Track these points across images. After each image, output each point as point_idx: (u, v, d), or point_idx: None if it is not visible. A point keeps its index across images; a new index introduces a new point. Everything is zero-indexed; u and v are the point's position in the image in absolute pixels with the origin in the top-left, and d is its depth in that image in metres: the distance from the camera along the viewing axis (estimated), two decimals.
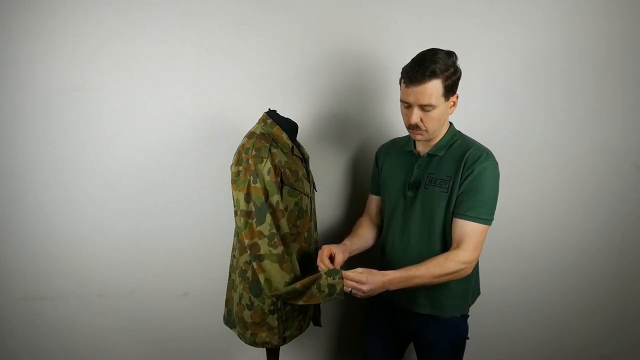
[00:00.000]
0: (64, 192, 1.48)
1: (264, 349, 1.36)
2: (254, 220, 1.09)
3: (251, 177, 1.09)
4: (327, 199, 1.60)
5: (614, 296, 1.76)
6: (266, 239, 1.09)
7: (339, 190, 1.62)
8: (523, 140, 1.61)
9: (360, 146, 1.59)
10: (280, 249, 1.11)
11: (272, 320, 1.18)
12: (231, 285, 1.28)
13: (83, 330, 1.59)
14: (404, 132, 1.25)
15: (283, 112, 1.25)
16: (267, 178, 1.09)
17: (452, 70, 1.08)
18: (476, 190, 1.11)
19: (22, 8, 1.36)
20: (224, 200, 1.49)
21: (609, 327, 1.79)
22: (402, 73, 1.12)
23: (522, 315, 1.76)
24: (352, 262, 1.26)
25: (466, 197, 1.11)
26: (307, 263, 1.24)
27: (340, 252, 1.17)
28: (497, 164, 1.14)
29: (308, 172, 1.29)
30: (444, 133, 1.20)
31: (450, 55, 1.09)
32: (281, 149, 1.17)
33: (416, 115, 1.10)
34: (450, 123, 1.23)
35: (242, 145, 1.14)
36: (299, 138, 1.33)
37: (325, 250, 1.17)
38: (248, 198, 1.09)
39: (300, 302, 1.10)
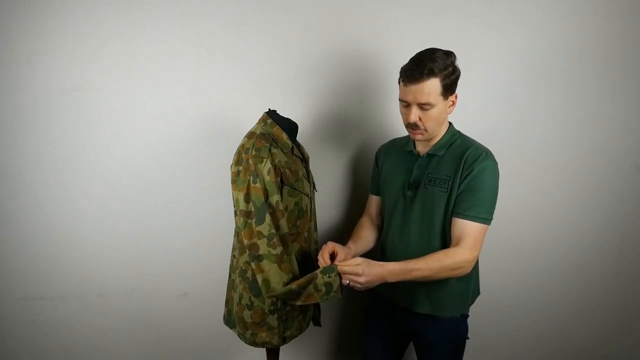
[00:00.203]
0: (64, 192, 1.48)
1: (264, 349, 1.36)
2: (254, 220, 1.09)
3: (251, 177, 1.09)
4: (327, 199, 1.60)
5: (614, 296, 1.76)
6: (265, 239, 1.09)
7: (339, 190, 1.62)
8: (523, 140, 1.61)
9: (360, 146, 1.59)
10: (279, 249, 1.11)
11: (272, 320, 1.18)
12: (231, 285, 1.28)
13: (83, 330, 1.59)
14: (404, 132, 1.25)
15: (283, 112, 1.25)
16: (267, 178, 1.09)
17: (450, 69, 1.08)
18: (475, 190, 1.11)
19: (22, 8, 1.36)
20: (224, 200, 1.49)
21: (609, 327, 1.79)
22: (400, 72, 1.13)
23: (522, 315, 1.76)
24: None
25: (465, 197, 1.12)
26: (307, 263, 1.24)
27: (343, 253, 1.17)
28: (496, 163, 1.14)
29: (308, 172, 1.29)
30: (443, 133, 1.20)
31: (449, 55, 1.10)
32: (281, 149, 1.17)
33: (415, 114, 1.11)
34: (450, 123, 1.23)
35: (242, 145, 1.14)
36: (299, 138, 1.33)
37: (329, 247, 1.16)
38: (248, 198, 1.09)
39: (299, 303, 1.10)
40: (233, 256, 1.25)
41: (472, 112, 1.54)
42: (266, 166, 1.09)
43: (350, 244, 1.29)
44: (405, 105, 1.13)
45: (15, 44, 1.38)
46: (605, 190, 1.67)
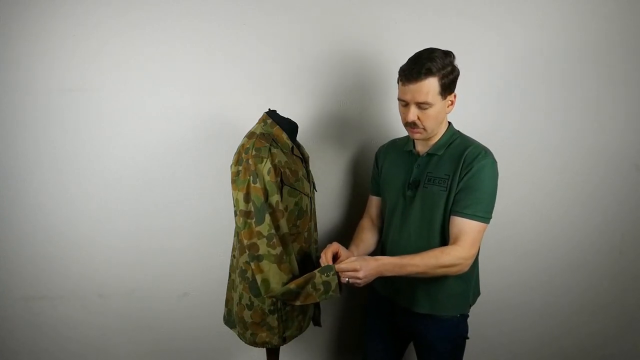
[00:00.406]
0: (64, 192, 1.48)
1: (264, 349, 1.36)
2: (253, 220, 1.09)
3: (251, 177, 1.09)
4: (327, 199, 1.60)
5: (614, 296, 1.76)
6: (265, 240, 1.09)
7: (338, 190, 1.62)
8: (523, 140, 1.61)
9: (360, 146, 1.59)
10: (279, 249, 1.11)
11: (272, 320, 1.18)
12: (231, 285, 1.28)
13: (83, 330, 1.59)
14: (404, 132, 1.25)
15: (283, 112, 1.25)
16: (267, 178, 1.09)
17: (449, 69, 1.08)
18: (474, 188, 1.11)
19: (22, 8, 1.36)
20: (224, 200, 1.49)
21: (609, 327, 1.79)
22: (399, 72, 1.13)
23: (522, 316, 1.76)
24: None
25: (464, 195, 1.12)
26: (307, 263, 1.24)
27: (346, 256, 1.16)
28: (495, 162, 1.14)
29: (308, 172, 1.29)
30: (442, 132, 1.20)
31: (448, 54, 1.10)
32: (281, 149, 1.17)
33: (413, 113, 1.11)
34: (449, 122, 1.23)
35: (242, 145, 1.14)
36: (299, 138, 1.33)
37: (334, 247, 1.17)
38: (247, 198, 1.09)
39: (298, 303, 1.10)
40: (233, 256, 1.25)
41: (472, 112, 1.54)
42: (266, 166, 1.09)
43: (352, 248, 1.29)
44: (404, 104, 1.13)
45: (15, 44, 1.38)
46: (605, 190, 1.67)
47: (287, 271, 1.12)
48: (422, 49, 1.12)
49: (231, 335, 1.44)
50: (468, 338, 1.28)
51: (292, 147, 1.22)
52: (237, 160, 1.13)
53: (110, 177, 1.49)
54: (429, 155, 1.20)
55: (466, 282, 1.22)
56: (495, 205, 1.15)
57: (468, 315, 1.28)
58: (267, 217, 1.09)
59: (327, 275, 1.07)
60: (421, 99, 1.08)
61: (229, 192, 1.20)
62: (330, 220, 1.63)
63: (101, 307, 1.58)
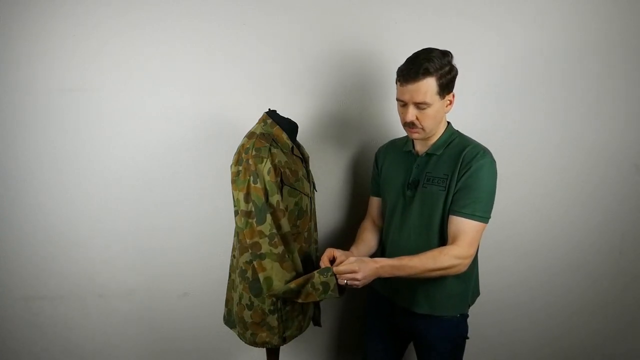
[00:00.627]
0: (64, 192, 1.48)
1: (264, 349, 1.36)
2: (254, 220, 1.09)
3: (251, 177, 1.09)
4: (327, 199, 1.60)
5: (614, 296, 1.76)
6: (267, 239, 1.10)
7: (339, 190, 1.62)
8: (523, 140, 1.61)
9: (360, 146, 1.59)
10: (280, 248, 1.11)
11: (272, 320, 1.18)
12: (231, 285, 1.28)
13: (83, 330, 1.60)
14: (404, 132, 1.25)
15: (283, 112, 1.25)
16: (267, 178, 1.10)
17: (447, 69, 1.09)
18: (472, 188, 1.11)
19: (22, 8, 1.36)
20: (224, 200, 1.49)
21: (609, 327, 1.79)
22: (397, 72, 1.13)
23: (522, 316, 1.76)
24: None
25: (462, 194, 1.12)
26: (307, 263, 1.24)
27: (344, 256, 1.17)
28: (494, 162, 1.14)
29: (308, 172, 1.29)
30: (441, 132, 1.20)
31: (446, 54, 1.10)
32: (281, 149, 1.17)
33: (411, 113, 1.11)
34: (448, 122, 1.23)
35: (242, 145, 1.14)
36: (299, 138, 1.33)
37: (328, 253, 1.18)
38: (248, 198, 1.09)
39: (299, 300, 1.11)
40: (233, 256, 1.25)
41: (472, 112, 1.54)
42: (266, 166, 1.09)
43: (353, 248, 1.30)
44: (402, 104, 1.13)
45: (15, 44, 1.38)
46: (605, 190, 1.67)
47: (290, 269, 1.12)
48: (421, 49, 1.12)
49: (231, 335, 1.44)
50: (468, 338, 1.28)
51: (292, 147, 1.22)
52: (237, 160, 1.13)
53: (110, 177, 1.49)
54: (428, 155, 1.20)
55: (465, 282, 1.22)
56: (495, 205, 1.15)
57: (468, 315, 1.28)
58: (269, 217, 1.09)
59: (326, 276, 1.08)
60: (419, 99, 1.09)
61: (229, 192, 1.20)
62: (330, 220, 1.63)
63: (101, 307, 1.58)
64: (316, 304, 1.35)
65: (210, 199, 1.53)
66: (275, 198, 1.11)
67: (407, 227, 1.21)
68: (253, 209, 1.09)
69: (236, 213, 1.13)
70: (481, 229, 1.13)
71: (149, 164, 1.49)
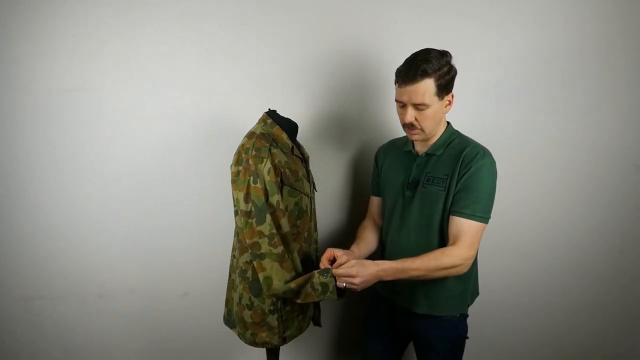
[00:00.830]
0: (64, 192, 1.48)
1: (264, 349, 1.36)
2: (254, 220, 1.09)
3: (251, 177, 1.09)
4: (327, 199, 1.60)
5: (614, 296, 1.76)
6: (266, 239, 1.10)
7: (338, 190, 1.62)
8: (523, 140, 1.61)
9: (360, 146, 1.59)
10: (280, 248, 1.11)
11: (272, 320, 1.18)
12: (231, 285, 1.28)
13: (83, 330, 1.60)
14: (404, 133, 1.25)
15: (283, 112, 1.25)
16: (267, 178, 1.10)
17: (445, 69, 1.08)
18: (472, 188, 1.11)
19: (22, 8, 1.36)
20: (224, 200, 1.49)
21: (609, 327, 1.79)
22: (395, 73, 1.13)
23: (521, 316, 1.76)
24: None
25: (463, 195, 1.12)
26: (307, 263, 1.24)
27: (345, 256, 1.17)
28: (494, 162, 1.14)
29: (308, 172, 1.29)
30: (441, 132, 1.20)
31: (444, 54, 1.10)
32: (281, 149, 1.17)
33: (410, 114, 1.11)
34: (448, 122, 1.23)
35: (242, 145, 1.14)
36: (299, 138, 1.33)
37: (327, 253, 1.18)
38: (248, 198, 1.09)
39: (299, 301, 1.12)
40: (233, 256, 1.25)
41: (472, 112, 1.54)
42: (266, 166, 1.09)
43: (354, 247, 1.29)
44: (401, 105, 1.13)
45: (15, 44, 1.38)
46: (605, 190, 1.67)
47: (289, 269, 1.12)
48: (421, 49, 1.12)
49: (231, 335, 1.44)
50: (468, 338, 1.28)
51: (292, 147, 1.22)
52: (237, 160, 1.13)
53: (110, 177, 1.49)
54: (428, 155, 1.20)
55: (465, 282, 1.22)
56: (495, 205, 1.15)
57: (467, 315, 1.28)
58: (268, 217, 1.09)
59: (325, 277, 1.09)
60: (418, 100, 1.09)
61: (229, 192, 1.20)
62: (330, 220, 1.63)
63: (101, 307, 1.58)
64: (316, 304, 1.35)
65: (210, 199, 1.53)
66: (275, 198, 1.11)
67: (407, 227, 1.21)
68: (253, 209, 1.09)
69: (236, 213, 1.13)
70: (482, 229, 1.13)
71: (149, 164, 1.49)
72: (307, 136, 1.51)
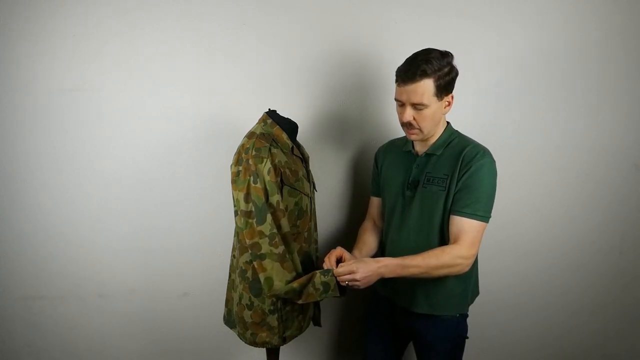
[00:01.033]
0: (64, 192, 1.48)
1: (264, 349, 1.36)
2: (254, 220, 1.09)
3: (251, 177, 1.09)
4: (327, 199, 1.60)
5: (614, 296, 1.76)
6: (267, 239, 1.10)
7: (339, 190, 1.62)
8: (523, 140, 1.61)
9: (360, 146, 1.59)
10: (281, 248, 1.11)
11: (272, 320, 1.18)
12: (231, 285, 1.28)
13: (83, 331, 1.60)
14: (404, 133, 1.25)
15: (283, 112, 1.25)
16: (267, 178, 1.10)
17: (445, 70, 1.08)
18: (473, 187, 1.11)
19: (22, 8, 1.36)
20: (224, 200, 1.49)
21: (609, 327, 1.79)
22: (396, 72, 1.13)
23: (521, 316, 1.76)
24: None
25: (463, 194, 1.12)
26: (307, 263, 1.24)
27: (353, 260, 1.16)
28: (494, 161, 1.14)
29: (308, 172, 1.29)
30: (440, 132, 1.20)
31: (445, 55, 1.09)
32: (281, 149, 1.17)
33: (409, 113, 1.11)
34: (448, 122, 1.23)
35: (242, 145, 1.14)
36: (299, 138, 1.33)
37: (338, 251, 1.18)
38: (248, 198, 1.09)
39: (300, 301, 1.12)
40: (233, 256, 1.25)
41: (472, 112, 1.54)
42: (266, 166, 1.09)
43: (356, 252, 1.29)
44: (400, 104, 1.14)
45: (15, 44, 1.38)
46: (605, 190, 1.67)
47: (290, 269, 1.12)
48: (421, 49, 1.12)
49: (231, 335, 1.44)
50: (468, 338, 1.28)
51: (292, 147, 1.22)
52: (237, 160, 1.13)
53: (110, 177, 1.49)
54: (428, 155, 1.20)
55: (465, 282, 1.22)
56: (495, 205, 1.15)
57: (467, 315, 1.28)
58: (269, 217, 1.09)
59: (326, 277, 1.09)
60: (416, 100, 1.09)
61: (229, 192, 1.20)
62: (330, 220, 1.63)
63: (101, 307, 1.58)
64: (316, 304, 1.35)
65: (210, 199, 1.53)
66: (275, 198, 1.11)
67: (407, 227, 1.21)
68: (253, 209, 1.09)
69: (236, 213, 1.13)
70: (482, 228, 1.13)
71: (149, 164, 1.49)
72: (307, 136, 1.51)
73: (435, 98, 1.10)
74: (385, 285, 1.28)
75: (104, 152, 1.47)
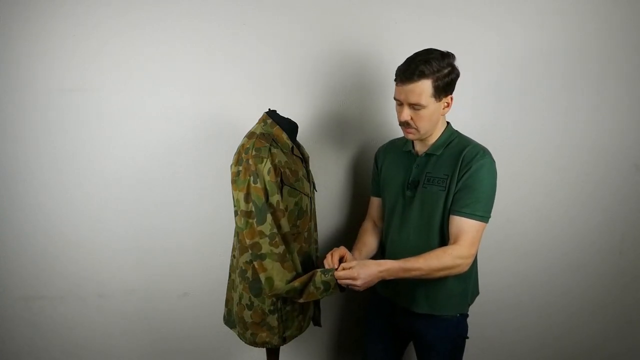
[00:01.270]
0: (64, 192, 1.48)
1: (264, 349, 1.36)
2: (255, 220, 1.09)
3: (251, 177, 1.09)
4: (327, 199, 1.60)
5: (614, 296, 1.76)
6: (267, 239, 1.10)
7: (339, 190, 1.62)
8: (523, 140, 1.61)
9: (360, 146, 1.59)
10: (281, 248, 1.11)
11: (272, 320, 1.18)
12: (231, 285, 1.28)
13: (83, 330, 1.59)
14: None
15: (283, 112, 1.25)
16: (267, 178, 1.10)
17: (445, 71, 1.08)
18: (473, 187, 1.11)
19: (22, 8, 1.36)
20: (224, 200, 1.49)
21: (609, 327, 1.79)
22: (395, 71, 1.13)
23: (522, 316, 1.76)
24: None
25: (463, 194, 1.12)
26: (307, 263, 1.24)
27: (354, 261, 1.16)
28: (494, 161, 1.14)
29: (308, 172, 1.29)
30: (440, 132, 1.20)
31: (446, 56, 1.09)
32: (281, 149, 1.17)
33: (406, 113, 1.11)
34: (448, 122, 1.23)
35: (242, 145, 1.14)
36: (299, 138, 1.33)
37: (341, 251, 1.18)
38: (248, 198, 1.09)
39: (301, 300, 1.12)
40: (233, 256, 1.25)
41: (471, 112, 1.54)
42: (266, 166, 1.09)
43: (356, 253, 1.29)
44: (399, 104, 1.14)
45: (15, 44, 1.38)
46: (605, 190, 1.67)
47: (290, 269, 1.12)
48: (421, 49, 1.12)
49: (231, 335, 1.44)
50: (468, 338, 1.28)
51: (292, 147, 1.22)
52: (237, 160, 1.13)
53: (110, 177, 1.49)
54: (428, 155, 1.20)
55: (465, 282, 1.22)
56: (495, 205, 1.15)
57: (467, 315, 1.28)
58: (269, 217, 1.09)
59: (326, 276, 1.10)
60: (414, 100, 1.09)
61: (229, 192, 1.20)
62: (330, 220, 1.63)
63: (101, 307, 1.58)
64: (316, 304, 1.35)
65: (210, 199, 1.53)
66: (275, 198, 1.11)
67: (407, 227, 1.21)
68: (253, 209, 1.09)
69: (236, 213, 1.13)
70: (482, 228, 1.13)
71: (149, 164, 1.49)
72: (307, 136, 1.51)
73: (433, 99, 1.10)
74: (386, 286, 1.28)
75: (104, 152, 1.47)
